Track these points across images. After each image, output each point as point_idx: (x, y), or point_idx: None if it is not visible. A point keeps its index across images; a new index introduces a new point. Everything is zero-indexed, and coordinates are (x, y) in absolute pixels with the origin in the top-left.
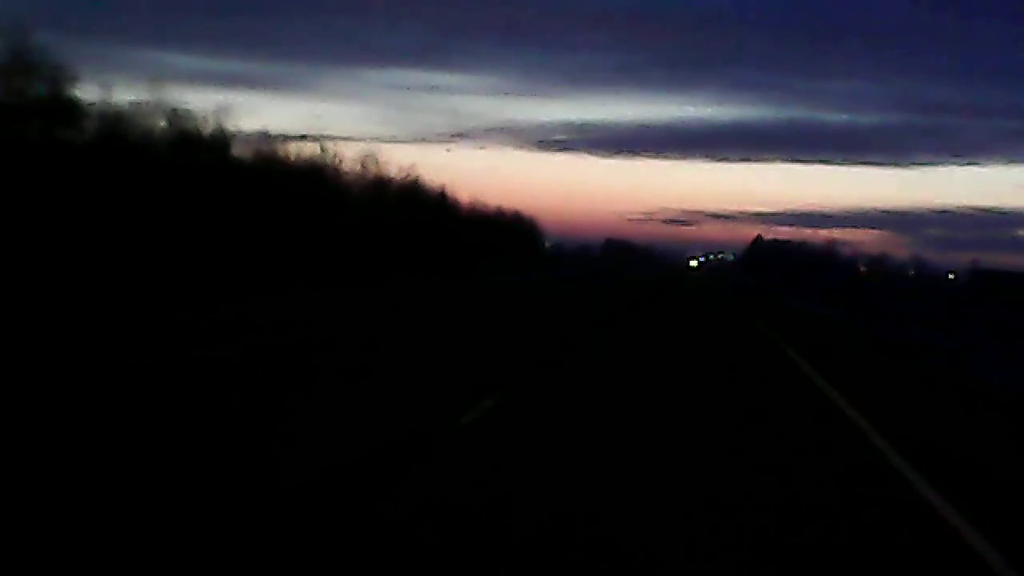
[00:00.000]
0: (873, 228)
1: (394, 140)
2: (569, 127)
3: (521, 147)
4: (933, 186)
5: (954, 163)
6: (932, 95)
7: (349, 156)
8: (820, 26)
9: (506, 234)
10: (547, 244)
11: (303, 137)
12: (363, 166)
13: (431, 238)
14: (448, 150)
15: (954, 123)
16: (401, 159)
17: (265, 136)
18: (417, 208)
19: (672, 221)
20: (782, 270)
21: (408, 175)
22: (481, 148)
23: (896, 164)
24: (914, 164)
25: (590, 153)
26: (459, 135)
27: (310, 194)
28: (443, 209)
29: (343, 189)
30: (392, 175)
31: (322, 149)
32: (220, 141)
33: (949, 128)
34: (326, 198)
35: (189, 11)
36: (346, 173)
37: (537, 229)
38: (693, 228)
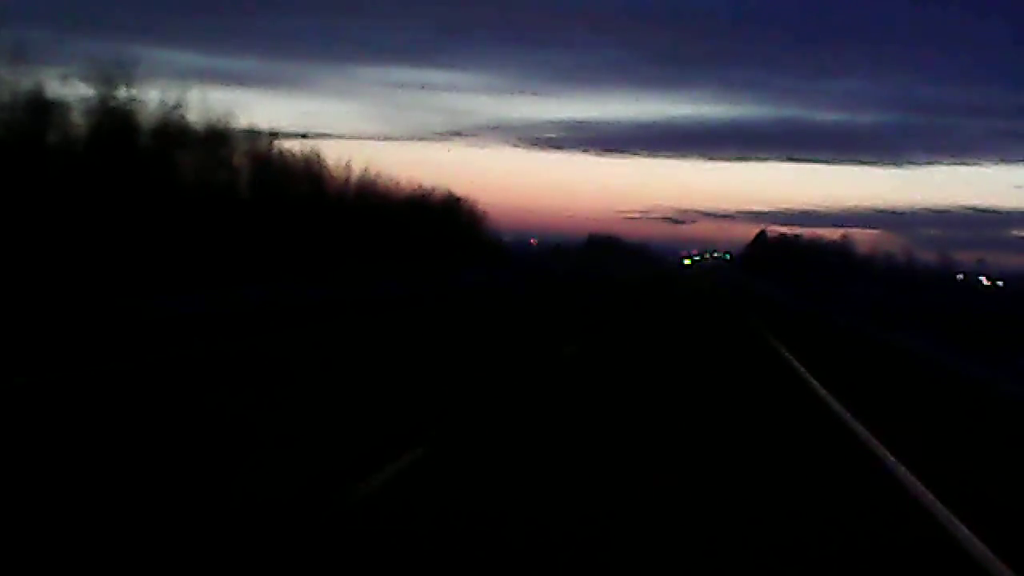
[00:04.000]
0: (869, 227)
1: (389, 138)
2: (563, 125)
3: (516, 145)
4: (929, 186)
5: (950, 162)
6: (928, 94)
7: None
8: (816, 24)
9: (422, 223)
10: (534, 241)
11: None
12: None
13: (249, 227)
14: (448, 150)
15: (950, 122)
16: (396, 157)
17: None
18: (230, 184)
19: (667, 220)
20: (801, 273)
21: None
22: (476, 146)
23: (892, 163)
24: (910, 163)
25: (584, 151)
26: (454, 133)
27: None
28: (289, 187)
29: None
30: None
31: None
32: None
33: (945, 127)
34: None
35: (182, 7)
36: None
37: (477, 218)
38: (688, 227)
